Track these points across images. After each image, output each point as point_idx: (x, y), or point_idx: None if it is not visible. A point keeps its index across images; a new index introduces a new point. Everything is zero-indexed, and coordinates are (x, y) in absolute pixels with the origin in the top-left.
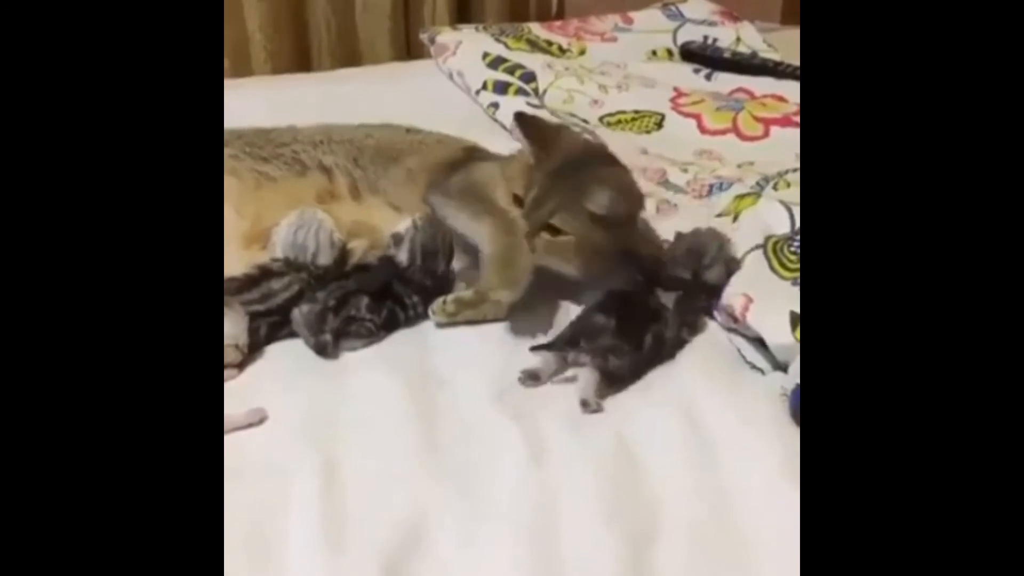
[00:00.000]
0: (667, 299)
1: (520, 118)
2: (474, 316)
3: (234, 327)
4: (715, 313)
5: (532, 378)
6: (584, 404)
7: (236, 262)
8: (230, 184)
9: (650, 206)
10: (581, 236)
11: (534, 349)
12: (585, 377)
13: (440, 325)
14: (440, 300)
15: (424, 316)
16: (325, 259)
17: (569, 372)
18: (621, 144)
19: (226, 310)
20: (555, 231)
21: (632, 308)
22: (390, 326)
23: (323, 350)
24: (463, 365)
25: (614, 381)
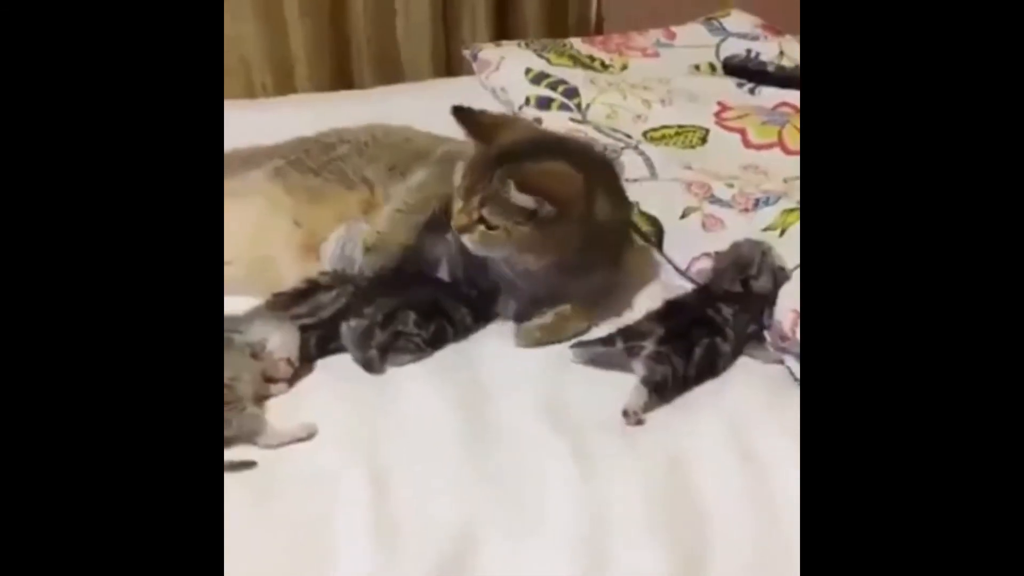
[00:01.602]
0: (727, 312)
1: (457, 112)
2: (555, 339)
3: (285, 341)
4: (765, 333)
5: (630, 415)
6: (625, 415)
7: (292, 273)
8: (285, 200)
9: (696, 221)
10: (510, 230)
11: (575, 347)
12: (632, 388)
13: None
14: (526, 327)
15: (473, 328)
16: (370, 271)
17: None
18: (664, 159)
19: (277, 324)
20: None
21: (686, 318)
22: (438, 342)
23: (369, 366)
24: (509, 376)
25: (660, 391)
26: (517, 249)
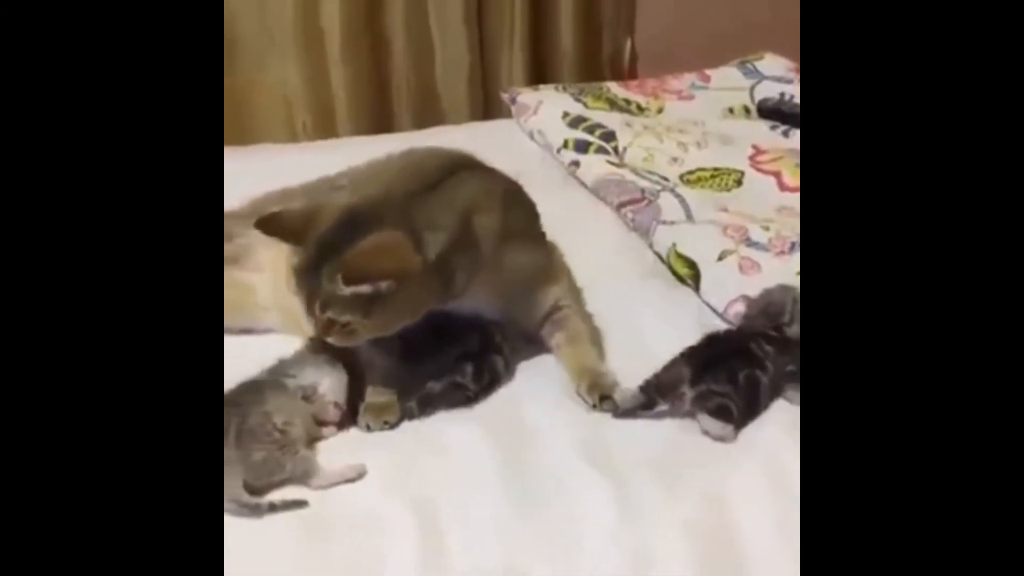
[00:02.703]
0: (768, 348)
1: (260, 223)
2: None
3: (334, 385)
4: None
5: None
6: (721, 439)
7: None
8: None
9: (733, 263)
10: (362, 322)
11: (620, 416)
12: (702, 420)
13: None
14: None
15: (505, 376)
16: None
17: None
18: (700, 201)
19: (328, 368)
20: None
21: (725, 348)
22: (489, 389)
23: (409, 415)
24: (550, 418)
25: (724, 415)
26: (382, 331)
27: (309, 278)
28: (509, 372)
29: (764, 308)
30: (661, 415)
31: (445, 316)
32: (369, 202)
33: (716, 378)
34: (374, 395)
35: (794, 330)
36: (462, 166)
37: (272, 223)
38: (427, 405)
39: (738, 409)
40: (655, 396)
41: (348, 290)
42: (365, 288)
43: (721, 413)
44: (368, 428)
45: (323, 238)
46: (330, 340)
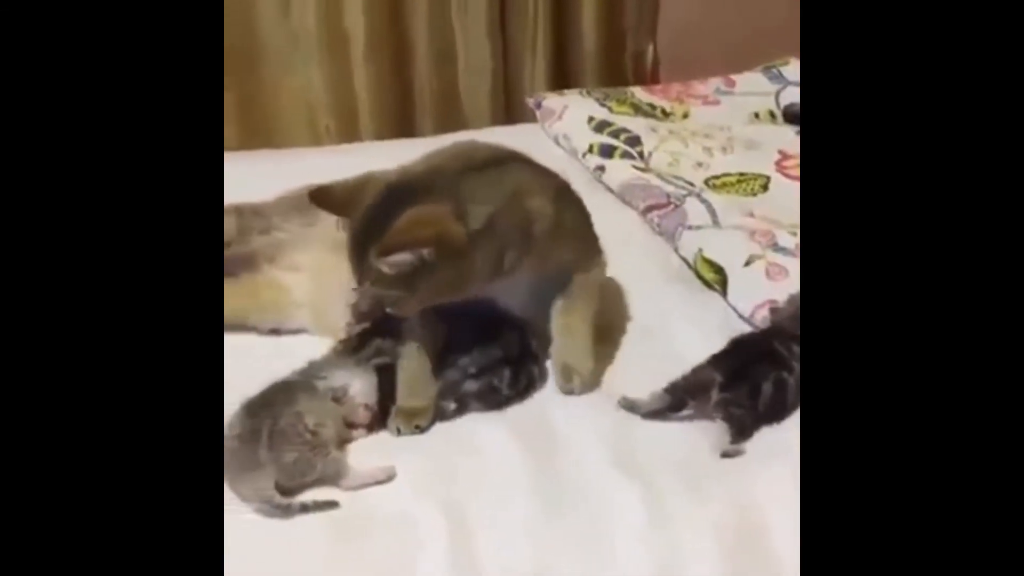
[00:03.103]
0: (796, 348)
1: (313, 195)
2: None
3: (364, 387)
4: None
5: (631, 408)
6: (725, 455)
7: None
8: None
9: (760, 268)
10: (404, 296)
11: (646, 416)
12: (715, 429)
13: None
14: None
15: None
16: None
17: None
18: (726, 206)
19: (358, 370)
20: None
21: (750, 353)
22: (524, 395)
23: (442, 415)
24: (578, 421)
25: (742, 429)
26: (430, 302)
27: (356, 254)
28: (543, 379)
29: (793, 314)
30: (688, 418)
31: (489, 310)
32: (412, 176)
33: (740, 389)
34: (407, 398)
35: None
36: (512, 158)
37: (323, 195)
38: (464, 406)
39: (751, 425)
40: (684, 397)
41: (389, 261)
42: (406, 256)
43: (735, 424)
44: (398, 432)
45: (366, 213)
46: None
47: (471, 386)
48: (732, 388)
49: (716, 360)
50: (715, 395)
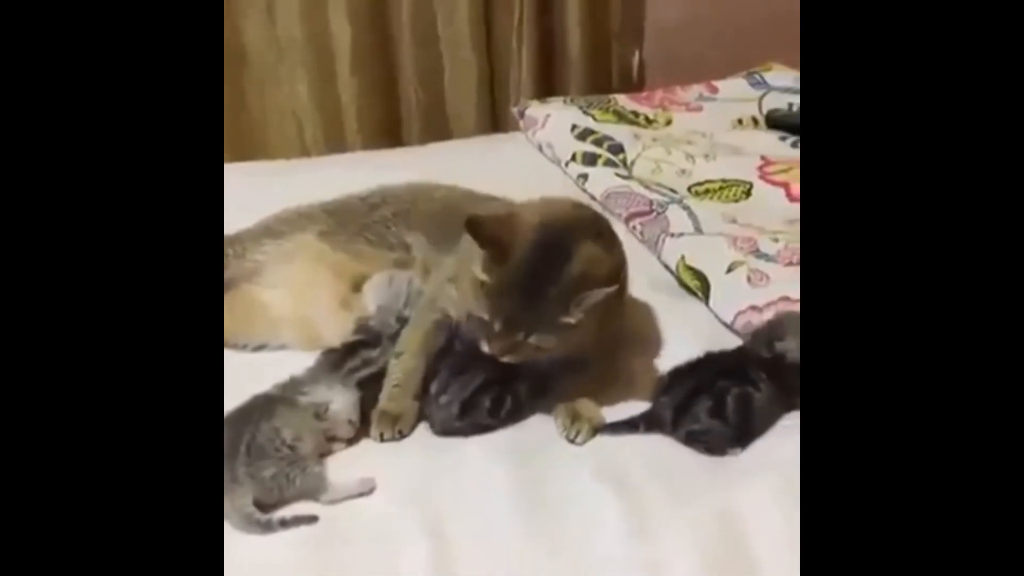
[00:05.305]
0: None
1: (469, 224)
2: None
3: (346, 403)
4: None
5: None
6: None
7: (332, 330)
8: (330, 259)
9: (742, 275)
10: (559, 344)
11: (609, 427)
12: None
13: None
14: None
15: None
16: (411, 312)
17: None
18: (709, 213)
19: (340, 387)
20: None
21: (714, 370)
22: (512, 419)
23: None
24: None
25: (712, 447)
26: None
27: (512, 299)
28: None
29: (770, 325)
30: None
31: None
32: (558, 218)
33: (697, 415)
34: (389, 400)
35: (785, 344)
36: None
37: (479, 228)
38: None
39: (725, 437)
40: (639, 423)
41: (584, 305)
42: (596, 298)
43: (706, 449)
44: (381, 438)
45: (531, 262)
46: (505, 359)
47: (454, 409)
48: (684, 421)
49: (677, 374)
50: (670, 433)
